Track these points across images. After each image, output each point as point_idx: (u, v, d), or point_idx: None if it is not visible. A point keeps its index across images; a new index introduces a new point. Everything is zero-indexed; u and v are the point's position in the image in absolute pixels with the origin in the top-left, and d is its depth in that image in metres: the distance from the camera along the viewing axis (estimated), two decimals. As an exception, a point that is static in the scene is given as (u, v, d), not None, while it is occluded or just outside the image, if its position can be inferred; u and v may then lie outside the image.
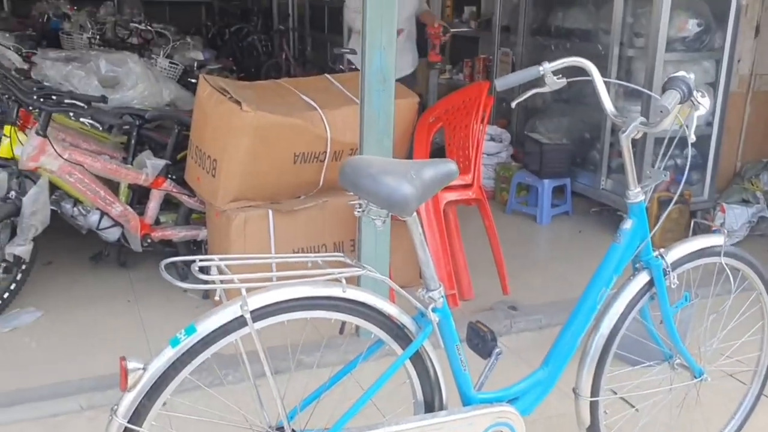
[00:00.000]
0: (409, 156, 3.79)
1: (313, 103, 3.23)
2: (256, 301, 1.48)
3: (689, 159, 1.86)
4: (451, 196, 3.31)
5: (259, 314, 1.49)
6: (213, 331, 1.45)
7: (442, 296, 1.72)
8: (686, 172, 1.86)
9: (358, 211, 1.65)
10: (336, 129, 3.21)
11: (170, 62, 5.94)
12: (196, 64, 6.48)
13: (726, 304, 2.22)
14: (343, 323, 1.64)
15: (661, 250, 2.05)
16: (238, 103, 2.99)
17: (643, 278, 2.03)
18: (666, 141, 1.91)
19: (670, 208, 2.40)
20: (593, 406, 2.03)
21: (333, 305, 1.57)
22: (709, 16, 4.15)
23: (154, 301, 3.35)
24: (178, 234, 3.43)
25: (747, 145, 4.71)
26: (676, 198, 2.25)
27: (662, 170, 1.96)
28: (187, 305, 3.30)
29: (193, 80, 6.00)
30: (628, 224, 1.98)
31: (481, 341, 1.83)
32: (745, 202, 4.41)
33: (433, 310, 1.68)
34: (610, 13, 4.41)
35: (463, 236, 3.61)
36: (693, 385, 2.19)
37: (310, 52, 8.88)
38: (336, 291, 1.56)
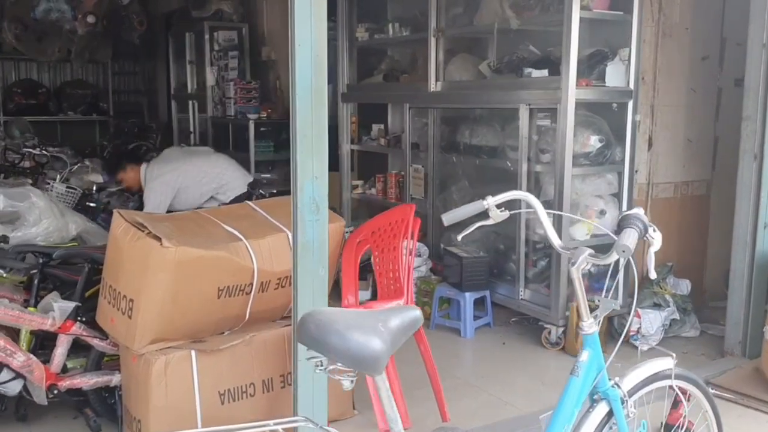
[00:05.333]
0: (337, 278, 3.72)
1: (236, 232, 3.11)
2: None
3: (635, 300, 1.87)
4: (384, 322, 3.22)
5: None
6: None
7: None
8: (634, 308, 1.86)
9: (320, 370, 1.53)
10: (262, 259, 3.10)
11: (67, 187, 5.70)
12: (95, 187, 6.24)
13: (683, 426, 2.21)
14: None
15: (616, 378, 2.03)
16: (158, 238, 2.83)
17: (602, 410, 2.00)
18: (610, 272, 1.93)
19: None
20: None
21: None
22: (609, 132, 4.40)
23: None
24: (89, 381, 3.12)
25: (652, 250, 4.92)
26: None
27: (611, 299, 1.97)
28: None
29: (92, 204, 5.77)
30: (584, 356, 1.96)
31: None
32: (656, 305, 4.55)
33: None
34: (515, 131, 4.61)
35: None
36: None
37: (213, 169, 8.77)
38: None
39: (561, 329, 4.40)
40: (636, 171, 4.71)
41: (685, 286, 4.81)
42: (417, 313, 1.58)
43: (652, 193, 4.89)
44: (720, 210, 5.06)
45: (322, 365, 1.53)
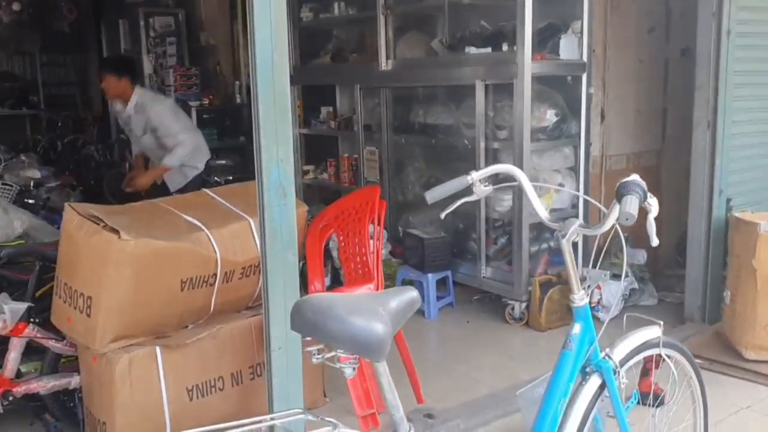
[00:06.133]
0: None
1: (197, 222, 2.97)
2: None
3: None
4: (354, 306, 3.14)
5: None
6: None
7: (415, 440, 1.54)
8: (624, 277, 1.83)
9: (317, 358, 1.44)
10: (225, 248, 2.97)
11: (2, 183, 5.41)
12: (32, 183, 5.96)
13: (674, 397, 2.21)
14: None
15: (607, 350, 2.01)
16: (115, 231, 2.67)
17: (595, 382, 1.97)
18: (597, 241, 1.90)
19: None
20: None
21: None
22: (564, 106, 4.41)
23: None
24: (46, 385, 2.95)
25: (608, 222, 4.97)
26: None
27: (600, 270, 1.93)
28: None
29: (31, 200, 5.49)
30: (576, 329, 1.93)
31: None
32: (616, 276, 4.60)
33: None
34: (470, 108, 4.56)
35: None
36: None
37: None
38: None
39: (524, 304, 4.41)
40: (590, 144, 4.74)
41: (641, 256, 4.88)
42: (414, 293, 1.51)
43: (606, 165, 4.93)
44: (670, 180, 5.14)
45: (319, 354, 1.45)
